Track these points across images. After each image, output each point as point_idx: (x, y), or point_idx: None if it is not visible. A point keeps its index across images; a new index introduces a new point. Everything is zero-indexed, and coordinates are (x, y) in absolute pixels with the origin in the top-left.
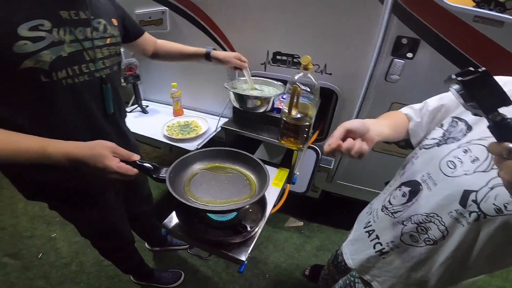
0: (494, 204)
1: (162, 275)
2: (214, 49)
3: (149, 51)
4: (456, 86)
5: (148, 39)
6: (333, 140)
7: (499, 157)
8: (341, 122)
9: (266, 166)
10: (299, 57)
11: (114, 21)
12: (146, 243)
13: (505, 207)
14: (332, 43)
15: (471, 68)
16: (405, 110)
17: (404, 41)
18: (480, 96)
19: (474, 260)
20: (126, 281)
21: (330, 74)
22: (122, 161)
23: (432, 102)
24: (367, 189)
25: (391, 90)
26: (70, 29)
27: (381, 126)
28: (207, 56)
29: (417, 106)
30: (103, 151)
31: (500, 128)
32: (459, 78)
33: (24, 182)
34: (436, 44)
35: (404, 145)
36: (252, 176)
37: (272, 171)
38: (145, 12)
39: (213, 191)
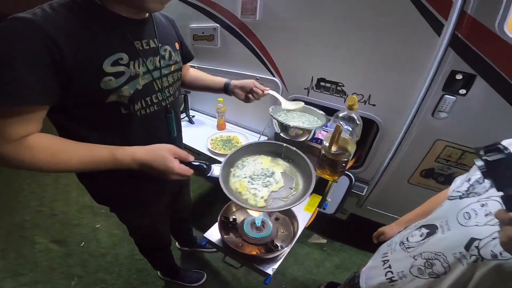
0: (491, 251)
1: (187, 274)
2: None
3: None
4: (480, 163)
5: (186, 66)
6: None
7: (502, 222)
8: (379, 152)
9: (311, 163)
10: (343, 86)
11: (177, 45)
12: (176, 243)
13: (500, 254)
14: (379, 74)
15: (500, 146)
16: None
17: (459, 76)
18: (499, 176)
19: None
20: (153, 275)
21: (374, 105)
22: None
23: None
24: (398, 217)
25: (437, 126)
26: (143, 59)
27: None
28: (226, 87)
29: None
30: (165, 154)
31: (510, 201)
32: (484, 157)
33: (96, 190)
34: (495, 81)
35: (444, 180)
36: (297, 173)
37: None
38: (199, 27)
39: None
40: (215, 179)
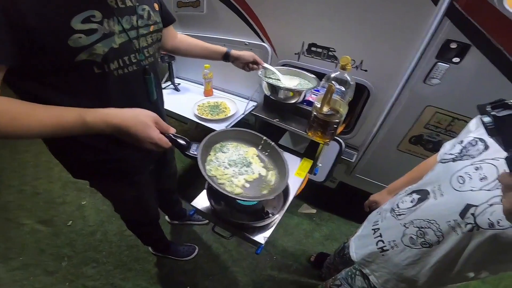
0: (488, 219)
1: (178, 249)
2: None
3: (168, 44)
4: (487, 119)
5: (172, 31)
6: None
7: (506, 186)
8: (369, 118)
9: (287, 160)
10: (334, 51)
11: (156, 6)
12: (166, 216)
13: (498, 222)
14: (372, 40)
15: (509, 102)
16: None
17: (453, 45)
18: (508, 132)
19: (460, 265)
20: (145, 251)
21: (366, 70)
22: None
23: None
24: (386, 186)
25: (428, 93)
26: (118, 18)
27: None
28: (226, 56)
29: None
30: (147, 120)
31: None
32: (493, 113)
33: (71, 163)
34: (490, 52)
35: (431, 147)
36: (272, 167)
37: (295, 161)
38: None
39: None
40: (193, 158)
